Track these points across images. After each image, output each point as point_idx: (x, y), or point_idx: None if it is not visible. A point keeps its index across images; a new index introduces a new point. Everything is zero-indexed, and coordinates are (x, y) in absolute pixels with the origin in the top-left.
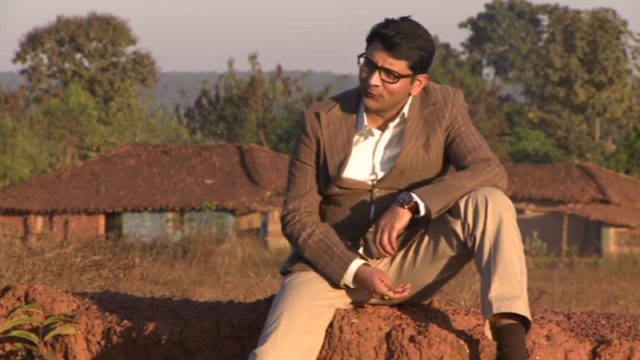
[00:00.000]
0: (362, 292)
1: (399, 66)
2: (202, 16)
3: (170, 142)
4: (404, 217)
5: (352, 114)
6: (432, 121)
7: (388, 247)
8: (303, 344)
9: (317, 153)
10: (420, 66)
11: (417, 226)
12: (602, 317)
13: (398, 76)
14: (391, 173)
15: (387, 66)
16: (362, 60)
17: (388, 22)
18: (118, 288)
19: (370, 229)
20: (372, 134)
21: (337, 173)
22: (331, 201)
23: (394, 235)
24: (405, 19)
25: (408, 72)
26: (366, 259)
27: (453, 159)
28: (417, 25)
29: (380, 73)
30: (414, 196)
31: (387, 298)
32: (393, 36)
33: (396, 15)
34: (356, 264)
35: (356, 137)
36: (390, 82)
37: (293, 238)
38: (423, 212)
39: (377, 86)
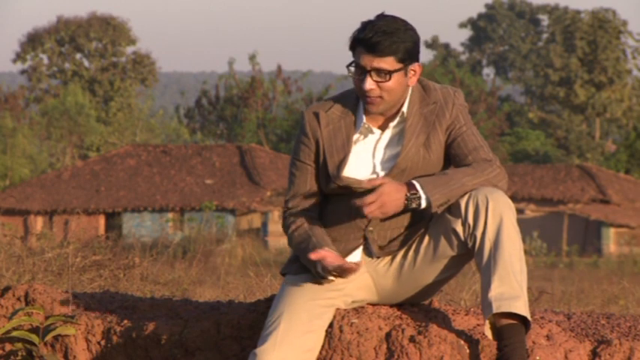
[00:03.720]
0: (362, 291)
1: (388, 63)
2: (202, 16)
3: (170, 142)
4: (401, 200)
5: (351, 113)
6: (432, 120)
7: (374, 210)
8: (303, 344)
9: (316, 153)
10: (408, 57)
11: (417, 225)
12: (602, 317)
13: (389, 73)
14: (392, 172)
15: (375, 66)
16: (352, 69)
17: (365, 25)
18: (118, 288)
19: (370, 228)
20: (371, 132)
21: (337, 172)
22: (331, 200)
23: (387, 209)
24: (381, 17)
25: (398, 66)
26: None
27: (453, 159)
28: (393, 19)
29: (371, 75)
30: (418, 187)
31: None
32: (372, 36)
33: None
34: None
35: (355, 136)
36: (383, 82)
37: (287, 233)
38: (424, 205)
39: (372, 89)
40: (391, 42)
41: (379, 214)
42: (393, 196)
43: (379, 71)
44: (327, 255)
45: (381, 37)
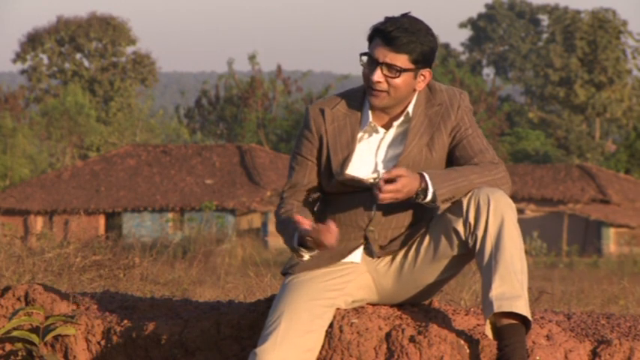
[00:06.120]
0: (363, 291)
1: (401, 60)
2: (202, 16)
3: (170, 142)
4: (413, 191)
5: (357, 111)
6: (437, 121)
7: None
8: (304, 344)
9: (319, 149)
10: (422, 60)
11: (418, 225)
12: (602, 317)
13: (400, 70)
14: None
15: (388, 61)
16: (364, 59)
17: (388, 19)
18: (118, 288)
19: (371, 228)
20: (376, 131)
21: (340, 170)
22: (333, 198)
23: (400, 195)
24: (405, 15)
25: (410, 66)
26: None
27: (457, 161)
28: (416, 20)
29: (382, 68)
30: (427, 178)
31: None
32: (392, 31)
33: (396, 14)
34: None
35: (360, 134)
36: (392, 77)
37: (276, 219)
38: (429, 198)
39: (380, 82)
40: (409, 40)
41: (389, 201)
42: (408, 187)
43: (390, 67)
44: (303, 221)
45: (401, 34)
